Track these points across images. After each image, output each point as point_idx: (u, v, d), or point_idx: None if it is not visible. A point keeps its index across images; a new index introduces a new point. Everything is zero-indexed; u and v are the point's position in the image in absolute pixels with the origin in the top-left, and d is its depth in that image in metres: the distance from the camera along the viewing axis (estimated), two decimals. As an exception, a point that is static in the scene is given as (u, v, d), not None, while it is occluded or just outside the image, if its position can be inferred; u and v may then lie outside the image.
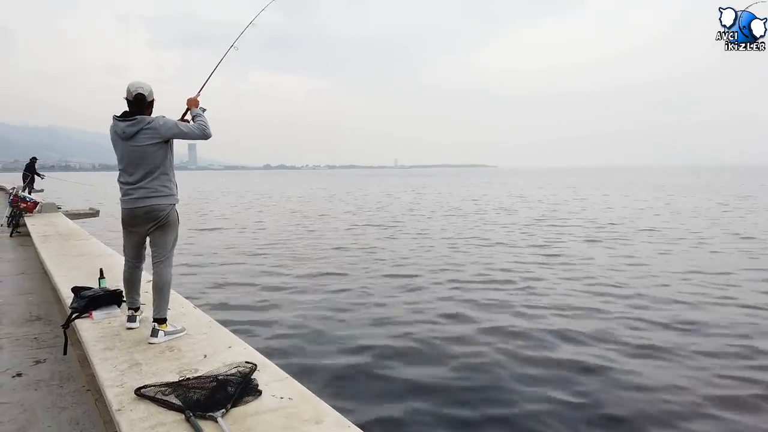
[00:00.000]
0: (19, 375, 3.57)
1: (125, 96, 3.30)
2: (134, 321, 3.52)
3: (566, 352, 6.38)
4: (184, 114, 3.58)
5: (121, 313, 3.64)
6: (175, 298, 4.03)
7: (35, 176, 17.60)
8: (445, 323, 7.57)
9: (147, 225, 3.36)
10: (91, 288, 3.85)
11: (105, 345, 2.98)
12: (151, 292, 3.40)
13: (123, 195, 3.36)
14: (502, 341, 6.73)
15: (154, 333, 3.26)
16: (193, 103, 3.60)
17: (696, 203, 30.20)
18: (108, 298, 3.68)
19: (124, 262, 3.58)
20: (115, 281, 4.70)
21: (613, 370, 5.79)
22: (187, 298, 4.33)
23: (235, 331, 3.25)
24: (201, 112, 3.54)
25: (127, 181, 3.32)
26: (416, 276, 10.80)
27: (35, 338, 4.47)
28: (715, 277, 10.46)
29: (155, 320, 3.31)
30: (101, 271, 4.26)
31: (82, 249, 6.83)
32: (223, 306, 8.69)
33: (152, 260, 3.46)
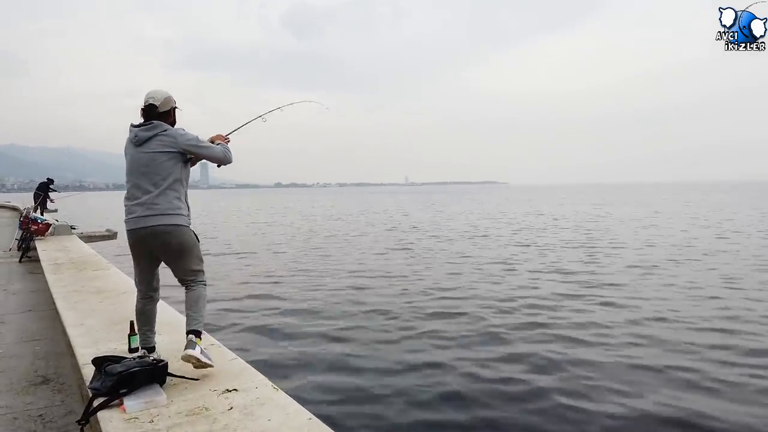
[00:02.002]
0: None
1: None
2: None
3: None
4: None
5: (167, 398, 2.40)
6: (245, 370, 2.82)
7: (48, 197, 16.61)
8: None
9: (156, 250, 2.95)
10: (120, 358, 2.61)
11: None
12: (185, 310, 2.92)
13: (127, 214, 2.92)
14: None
15: (191, 345, 2.71)
16: (221, 138, 3.30)
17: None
18: (147, 376, 2.44)
19: (136, 292, 3.11)
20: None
21: None
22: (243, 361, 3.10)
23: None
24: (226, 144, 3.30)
25: (131, 196, 2.91)
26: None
27: (40, 416, 3.26)
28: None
29: (190, 332, 2.81)
30: (132, 325, 3.04)
31: (101, 283, 5.64)
32: (314, 386, 5.84)
33: (180, 284, 2.99)
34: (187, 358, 2.68)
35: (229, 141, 3.33)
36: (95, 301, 4.64)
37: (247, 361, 2.98)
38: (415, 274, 13.13)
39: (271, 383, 2.56)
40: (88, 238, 11.37)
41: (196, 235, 3.04)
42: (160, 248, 2.92)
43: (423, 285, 11.61)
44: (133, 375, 2.38)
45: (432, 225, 29.65)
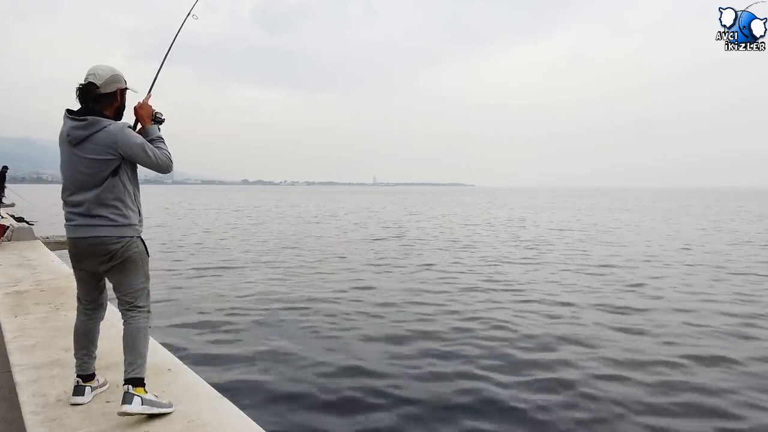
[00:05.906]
0: None
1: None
2: (82, 394, 2.54)
3: None
4: (134, 128, 2.61)
5: None
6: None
7: (3, 189, 13.99)
8: None
9: (96, 263, 2.47)
10: None
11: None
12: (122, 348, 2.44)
13: (66, 219, 2.51)
14: None
15: (127, 399, 2.27)
16: (146, 115, 2.64)
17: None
18: None
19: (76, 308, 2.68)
20: None
21: None
22: None
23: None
24: (159, 131, 2.65)
25: (69, 201, 2.47)
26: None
27: None
28: None
29: (127, 381, 2.34)
30: None
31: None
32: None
33: (118, 307, 2.56)
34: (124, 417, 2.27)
35: (152, 110, 2.68)
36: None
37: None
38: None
39: None
40: (57, 245, 8.95)
41: (146, 246, 2.59)
42: (102, 262, 2.45)
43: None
44: None
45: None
